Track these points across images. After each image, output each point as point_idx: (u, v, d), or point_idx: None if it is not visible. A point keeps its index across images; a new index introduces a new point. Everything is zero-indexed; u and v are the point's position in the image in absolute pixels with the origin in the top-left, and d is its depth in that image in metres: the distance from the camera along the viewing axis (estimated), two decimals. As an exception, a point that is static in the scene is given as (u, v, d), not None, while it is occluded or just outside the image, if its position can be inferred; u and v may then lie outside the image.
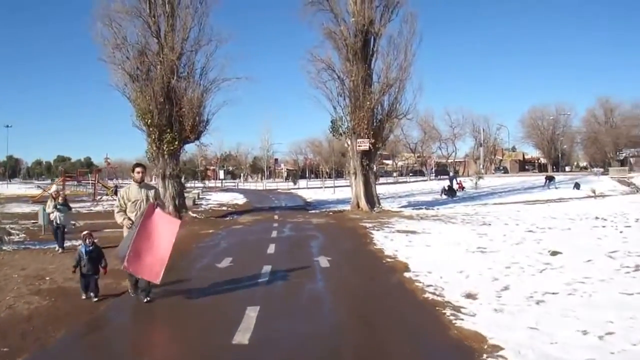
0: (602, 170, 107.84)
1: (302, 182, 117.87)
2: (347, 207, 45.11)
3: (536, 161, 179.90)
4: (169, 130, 37.80)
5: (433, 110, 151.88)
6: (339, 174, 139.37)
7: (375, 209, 42.06)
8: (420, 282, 14.67)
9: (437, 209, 44.61)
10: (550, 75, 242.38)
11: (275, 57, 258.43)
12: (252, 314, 11.45)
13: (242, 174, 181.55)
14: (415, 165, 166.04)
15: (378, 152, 46.02)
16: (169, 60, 37.33)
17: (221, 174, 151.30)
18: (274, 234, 28.34)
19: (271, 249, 22.25)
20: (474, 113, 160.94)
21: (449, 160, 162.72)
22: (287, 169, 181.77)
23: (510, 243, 22.10)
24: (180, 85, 38.19)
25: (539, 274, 15.61)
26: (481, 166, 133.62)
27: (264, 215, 42.30)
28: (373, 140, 41.86)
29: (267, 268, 17.16)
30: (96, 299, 13.26)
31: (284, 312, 12.14)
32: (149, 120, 37.12)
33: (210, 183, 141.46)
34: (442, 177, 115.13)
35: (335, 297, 13.59)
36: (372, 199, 42.84)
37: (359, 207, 42.21)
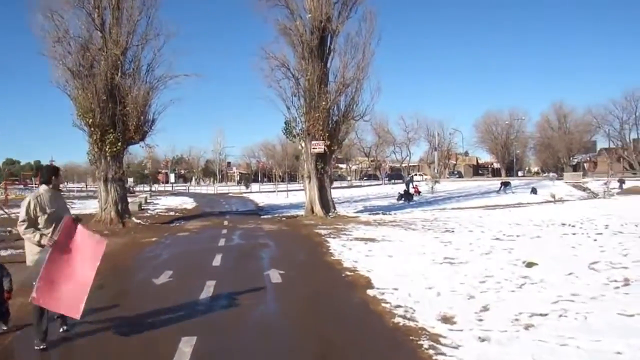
0: (556, 175, 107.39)
1: (254, 186, 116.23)
2: (301, 212, 43.05)
3: (490, 166, 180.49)
4: (111, 130, 35.57)
5: (387, 115, 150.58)
6: (293, 177, 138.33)
7: (330, 214, 40.13)
8: (387, 303, 12.72)
9: (395, 214, 42.99)
10: (505, 81, 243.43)
11: (229, 56, 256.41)
12: (186, 348, 9.34)
13: (194, 178, 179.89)
14: (369, 169, 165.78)
15: (333, 155, 43.94)
16: (113, 56, 35.05)
17: (172, 177, 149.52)
18: (222, 242, 26.22)
19: (217, 260, 20.15)
20: (429, 118, 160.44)
21: (403, 165, 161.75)
22: (240, 173, 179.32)
23: (479, 253, 20.31)
24: (124, 83, 35.85)
25: (519, 289, 13.87)
26: (436, 170, 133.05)
27: (213, 220, 40.08)
28: (328, 143, 39.97)
29: (210, 284, 15.03)
30: (5, 328, 10.79)
31: (225, 345, 10.03)
32: (91, 120, 34.84)
33: (161, 187, 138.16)
34: (396, 181, 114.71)
35: (289, 323, 11.54)
36: (327, 204, 40.89)
37: (313, 212, 40.22)
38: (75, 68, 35.04)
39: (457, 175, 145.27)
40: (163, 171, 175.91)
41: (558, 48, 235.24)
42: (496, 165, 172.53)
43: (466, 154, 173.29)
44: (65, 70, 34.95)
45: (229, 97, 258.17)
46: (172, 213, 48.89)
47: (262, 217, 43.61)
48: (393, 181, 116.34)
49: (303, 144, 41.07)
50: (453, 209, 47.51)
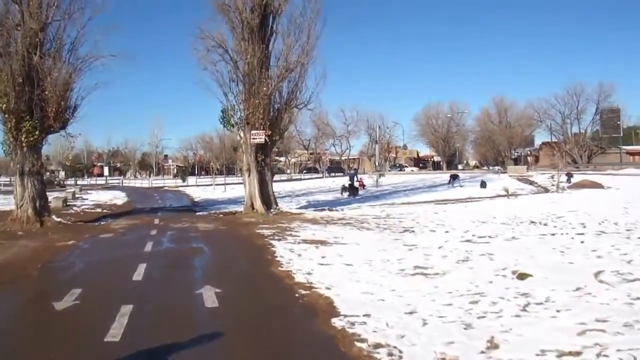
0: (501, 168, 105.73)
1: (191, 180, 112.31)
2: (240, 209, 39.66)
3: (430, 159, 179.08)
4: (28, 117, 31.57)
5: (327, 107, 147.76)
6: (231, 171, 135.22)
7: (272, 210, 36.82)
8: (363, 340, 9.42)
9: (342, 209, 39.83)
10: (444, 74, 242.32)
11: (164, 38, 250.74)
12: None
13: (129, 171, 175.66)
14: (308, 162, 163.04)
15: (275, 146, 40.42)
16: (30, 32, 31.04)
17: (106, 170, 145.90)
18: (149, 246, 22.59)
19: (140, 272, 16.51)
20: (369, 111, 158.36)
21: (343, 158, 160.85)
22: (177, 166, 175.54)
23: (454, 260, 17.22)
24: (44, 64, 31.82)
25: (525, 313, 10.80)
26: (377, 163, 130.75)
27: (143, 218, 36.40)
28: (269, 132, 36.59)
29: (124, 312, 11.43)
30: None
31: None
32: (4, 105, 30.97)
33: (95, 181, 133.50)
34: (336, 174, 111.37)
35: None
36: (268, 199, 37.51)
37: (253, 208, 36.73)
38: (-12, 46, 31.06)
39: (398, 169, 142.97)
40: (98, 164, 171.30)
41: (497, 41, 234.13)
42: (436, 159, 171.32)
43: (405, 147, 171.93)
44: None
45: (165, 85, 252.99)
46: (99, 210, 45.11)
47: (197, 214, 40.22)
48: (333, 174, 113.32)
49: (242, 134, 37.72)
50: (403, 204, 44.64)
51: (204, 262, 18.92)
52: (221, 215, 37.48)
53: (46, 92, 31.70)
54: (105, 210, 44.36)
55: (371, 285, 13.74)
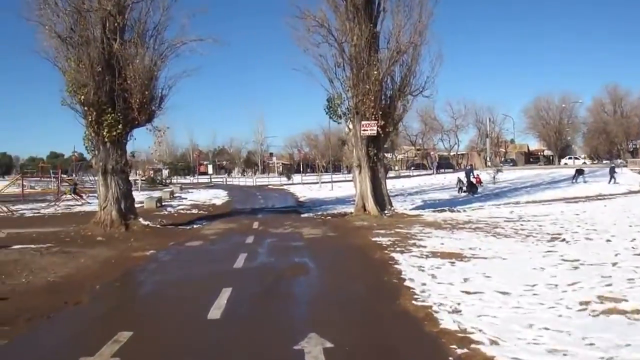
0: (624, 162, 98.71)
1: (296, 177, 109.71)
2: (350, 209, 35.47)
3: (540, 153, 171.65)
4: (109, 110, 28.29)
5: (434, 101, 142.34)
6: (336, 168, 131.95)
7: (386, 211, 32.39)
8: None
9: (464, 210, 35.41)
10: (555, 63, 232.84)
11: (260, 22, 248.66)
12: None
13: (235, 169, 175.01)
14: (415, 158, 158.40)
15: (388, 139, 35.83)
16: (107, 15, 27.76)
17: (210, 168, 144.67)
18: (241, 260, 18.35)
19: (220, 303, 12.17)
20: (477, 103, 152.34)
21: (452, 153, 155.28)
22: (282, 164, 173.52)
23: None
24: (125, 51, 28.34)
25: None
26: (488, 159, 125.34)
27: (241, 222, 32.60)
28: (382, 123, 32.03)
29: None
30: None
31: None
32: (83, 97, 27.65)
33: (201, 179, 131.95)
34: (446, 170, 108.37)
35: None
36: (382, 199, 33.08)
37: (365, 210, 32.38)
38: (66, 34, 27.94)
39: (510, 164, 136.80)
40: (204, 163, 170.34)
41: (608, 27, 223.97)
42: (547, 152, 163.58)
43: (512, 141, 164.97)
44: (52, 36, 27.86)
45: (269, 82, 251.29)
46: (195, 211, 41.57)
47: (302, 216, 36.07)
48: (443, 170, 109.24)
49: (350, 126, 33.41)
50: (529, 202, 40.28)
51: (308, 288, 14.66)
52: (329, 218, 33.45)
53: (128, 82, 28.48)
54: (201, 212, 40.89)
55: (556, 334, 9.09)
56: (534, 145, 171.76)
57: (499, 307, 11.17)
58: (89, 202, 49.12)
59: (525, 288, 12.68)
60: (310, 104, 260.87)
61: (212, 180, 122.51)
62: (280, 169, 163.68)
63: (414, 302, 11.82)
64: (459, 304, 11.46)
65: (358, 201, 33.19)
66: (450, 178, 70.76)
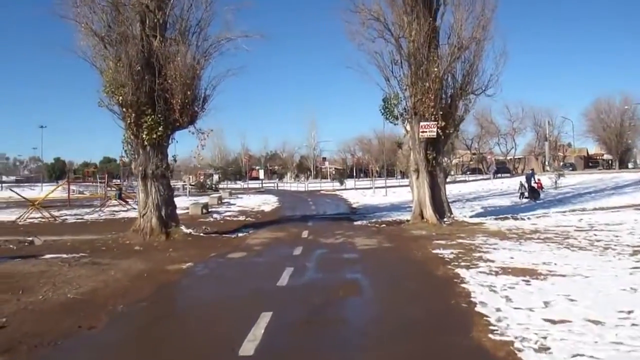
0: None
1: (349, 182, 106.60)
2: (406, 217, 33.33)
3: (599, 157, 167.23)
4: (149, 111, 26.60)
5: (494, 100, 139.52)
6: (390, 173, 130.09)
7: (445, 219, 30.20)
8: None
9: (528, 218, 32.79)
10: (616, 64, 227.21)
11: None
12: None
13: (288, 174, 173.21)
14: (471, 162, 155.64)
15: (449, 141, 33.46)
16: (148, 12, 26.26)
17: (261, 173, 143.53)
18: (285, 276, 16.11)
19: (256, 334, 10.00)
20: (535, 106, 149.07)
21: (508, 157, 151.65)
22: (334, 168, 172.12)
23: None
24: (166, 48, 26.71)
25: None
26: (547, 163, 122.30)
27: (289, 230, 30.49)
28: (442, 124, 29.93)
29: None
30: None
31: None
32: (121, 98, 25.99)
33: (251, 184, 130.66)
34: (503, 175, 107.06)
35: None
36: (441, 206, 30.86)
37: (423, 217, 30.19)
38: (104, 31, 26.30)
39: (570, 168, 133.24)
40: (256, 167, 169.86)
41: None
42: (606, 157, 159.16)
43: (569, 145, 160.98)
44: (89, 34, 26.20)
45: (321, 85, 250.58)
46: (242, 218, 39.62)
47: (355, 223, 33.80)
48: (500, 175, 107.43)
49: (408, 128, 31.17)
50: (596, 209, 37.33)
51: (362, 313, 12.47)
52: (384, 226, 31.14)
53: (169, 81, 26.74)
54: (248, 219, 38.88)
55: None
56: (593, 149, 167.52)
57: (595, 342, 8.97)
58: (134, 208, 47.63)
59: (620, 316, 10.44)
60: (364, 107, 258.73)
61: (264, 185, 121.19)
62: (333, 173, 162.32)
63: (490, 335, 9.59)
64: (545, 337, 9.28)
65: (415, 208, 30.95)
66: (508, 183, 68.70)
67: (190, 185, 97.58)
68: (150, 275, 17.06)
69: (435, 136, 29.84)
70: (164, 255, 21.33)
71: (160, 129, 26.66)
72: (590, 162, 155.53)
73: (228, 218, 39.24)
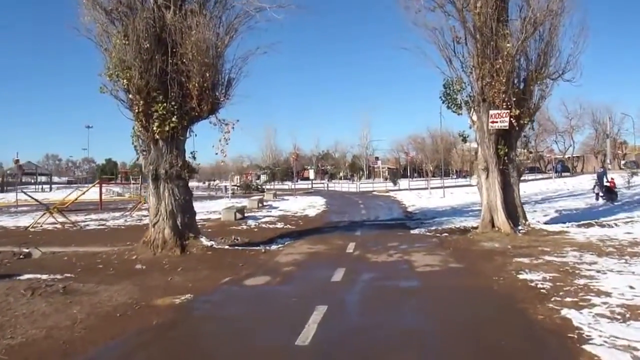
0: None
1: (403, 182, 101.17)
2: (470, 223, 28.92)
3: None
4: (161, 97, 21.67)
5: (547, 100, 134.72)
6: (445, 172, 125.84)
7: (520, 227, 25.12)
8: None
9: (615, 224, 27.54)
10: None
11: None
12: None
13: (340, 174, 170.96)
14: (528, 161, 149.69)
15: (522, 134, 27.83)
16: None
17: (311, 173, 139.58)
18: (314, 323, 10.92)
19: None
20: (594, 102, 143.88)
21: (567, 156, 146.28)
22: (388, 168, 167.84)
23: None
24: (181, 21, 21.72)
25: None
26: (608, 161, 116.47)
27: (333, 242, 25.32)
28: (517, 112, 24.77)
29: None
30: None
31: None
32: (126, 82, 21.19)
33: (301, 184, 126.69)
34: (563, 174, 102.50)
35: None
36: (514, 211, 25.69)
37: (493, 225, 25.01)
38: (111, 4, 21.57)
39: (635, 166, 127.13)
40: (307, 167, 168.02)
41: None
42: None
43: (624, 142, 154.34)
44: (96, 9, 21.49)
45: (375, 83, 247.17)
46: (280, 225, 34.40)
47: (412, 232, 28.64)
48: (559, 174, 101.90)
49: (474, 118, 26.01)
50: (690, 213, 31.72)
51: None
52: (446, 235, 25.98)
53: (185, 62, 21.78)
54: (287, 226, 33.80)
55: None
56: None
57: None
58: None
59: None
60: (418, 105, 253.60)
61: (313, 186, 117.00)
62: (386, 173, 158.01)
63: None
64: None
65: (484, 214, 25.60)
66: (571, 183, 64.83)
67: (236, 186, 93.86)
68: (126, 315, 12.34)
69: (507, 127, 24.72)
70: (164, 280, 16.66)
71: (174, 119, 21.82)
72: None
73: (264, 225, 34.21)
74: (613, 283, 13.67)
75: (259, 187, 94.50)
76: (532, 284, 14.03)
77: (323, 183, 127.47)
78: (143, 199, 48.69)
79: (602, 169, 48.20)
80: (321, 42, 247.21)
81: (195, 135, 24.12)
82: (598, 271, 15.35)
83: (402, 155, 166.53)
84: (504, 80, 23.99)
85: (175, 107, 21.80)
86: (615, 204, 39.81)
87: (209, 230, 30.65)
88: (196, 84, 21.84)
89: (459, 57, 25.48)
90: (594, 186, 44.52)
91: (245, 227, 33.03)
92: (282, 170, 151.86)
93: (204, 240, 23.07)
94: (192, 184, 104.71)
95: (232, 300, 14.32)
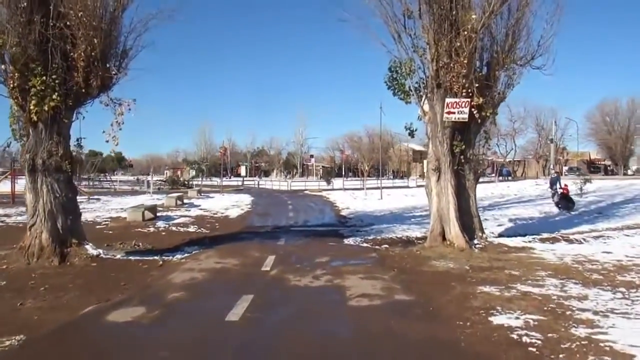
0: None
1: (338, 182, 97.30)
2: (414, 232, 25.14)
3: (600, 162, 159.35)
4: (40, 69, 17.31)
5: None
6: (381, 173, 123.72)
7: (475, 241, 20.87)
8: None
9: (584, 239, 23.36)
10: (621, 64, 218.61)
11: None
12: None
13: (274, 171, 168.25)
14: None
15: (482, 129, 23.45)
16: None
17: (243, 170, 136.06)
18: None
19: None
20: (539, 105, 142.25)
21: (507, 160, 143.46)
22: (322, 166, 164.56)
23: None
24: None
25: None
26: (551, 166, 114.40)
27: (248, 253, 20.61)
28: (480, 101, 20.25)
29: None
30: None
31: None
32: (-1, 48, 17.04)
33: (231, 181, 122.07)
34: (506, 178, 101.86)
35: None
36: (469, 222, 21.38)
37: (444, 238, 20.72)
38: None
39: (577, 173, 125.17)
40: (241, 164, 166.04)
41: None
42: (607, 162, 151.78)
43: (563, 149, 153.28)
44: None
45: (310, 79, 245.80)
46: (192, 228, 29.75)
47: (346, 241, 24.36)
48: (501, 178, 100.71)
49: (425, 108, 21.67)
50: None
51: None
52: (386, 247, 21.85)
53: (70, 24, 17.60)
54: (201, 230, 29.34)
55: None
56: (594, 153, 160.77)
57: None
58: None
59: None
60: (354, 102, 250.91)
61: (245, 183, 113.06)
62: (320, 172, 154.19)
63: None
64: None
65: (434, 224, 21.12)
66: (516, 187, 63.13)
67: (161, 181, 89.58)
68: None
69: (466, 120, 20.34)
70: (11, 305, 12.60)
71: (55, 96, 17.50)
72: (592, 167, 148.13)
73: (175, 228, 29.52)
74: (627, 335, 9.73)
75: (186, 182, 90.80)
76: (514, 336, 9.89)
77: (254, 180, 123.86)
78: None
79: (555, 174, 44.28)
80: (255, 33, 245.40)
81: (84, 117, 19.49)
82: (595, 312, 11.36)
83: (338, 153, 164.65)
84: (465, 62, 19.62)
85: (57, 81, 17.53)
86: (573, 213, 35.84)
87: (110, 232, 26.60)
88: (82, 53, 17.62)
89: (409, 33, 21.08)
90: (553, 194, 40.45)
91: (152, 229, 28.48)
92: (210, 165, 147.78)
93: (90, 248, 18.79)
94: (122, 177, 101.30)
95: (66, 354, 9.76)
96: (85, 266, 17.30)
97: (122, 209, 37.93)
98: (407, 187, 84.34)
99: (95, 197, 55.27)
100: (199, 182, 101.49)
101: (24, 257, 17.51)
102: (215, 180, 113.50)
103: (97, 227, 29.56)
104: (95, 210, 39.56)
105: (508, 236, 24.39)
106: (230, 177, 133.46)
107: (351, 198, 57.33)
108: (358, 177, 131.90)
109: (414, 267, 17.52)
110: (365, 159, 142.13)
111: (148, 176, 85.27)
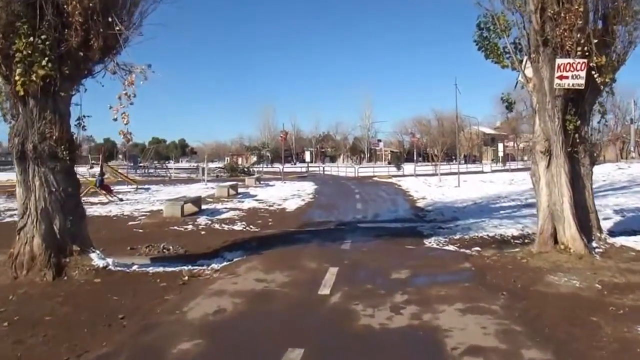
0: None
1: (407, 167, 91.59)
2: (510, 230, 21.07)
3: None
4: (26, 27, 13.17)
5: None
6: (449, 157, 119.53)
7: (594, 244, 16.18)
8: None
9: None
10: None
11: None
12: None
13: (341, 156, 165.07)
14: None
15: (599, 98, 18.62)
16: None
17: (307, 156, 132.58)
18: None
19: None
20: (616, 84, 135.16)
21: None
22: (390, 151, 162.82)
23: None
24: None
25: None
26: (632, 149, 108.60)
27: (302, 263, 16.01)
28: (601, 60, 15.62)
29: None
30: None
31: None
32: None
33: (297, 167, 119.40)
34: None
35: None
36: (585, 219, 16.63)
37: (556, 240, 15.95)
38: None
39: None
40: (308, 149, 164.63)
41: None
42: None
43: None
44: None
45: (375, 61, 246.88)
46: (240, 226, 25.05)
47: (427, 244, 19.63)
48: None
49: (528, 73, 16.84)
50: None
51: None
52: (477, 251, 17.48)
53: None
54: (249, 227, 24.68)
55: None
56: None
57: None
58: (119, 201, 36.60)
59: None
60: (422, 84, 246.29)
61: (309, 169, 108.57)
62: (389, 157, 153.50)
63: None
64: None
65: (543, 224, 16.28)
66: (601, 172, 53.61)
67: (220, 168, 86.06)
68: None
69: (582, 86, 15.61)
70: None
71: (44, 62, 13.32)
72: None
73: (218, 225, 25.02)
74: None
75: (246, 169, 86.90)
76: None
77: (318, 166, 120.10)
78: (92, 182, 39.86)
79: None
80: (320, 18, 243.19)
81: (86, 90, 15.15)
82: None
83: (406, 137, 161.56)
84: (580, 10, 14.94)
85: (47, 43, 13.37)
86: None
87: (141, 231, 22.81)
88: (77, 5, 13.34)
89: (503, -21, 16.38)
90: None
91: (191, 227, 24.19)
92: (273, 151, 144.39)
93: (96, 258, 14.48)
94: (183, 165, 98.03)
95: None
96: (84, 283, 13.28)
97: (168, 200, 33.68)
98: (482, 172, 79.85)
99: (145, 186, 52.01)
100: (260, 169, 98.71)
101: (12, 269, 13.67)
102: (277, 167, 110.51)
103: (130, 223, 25.87)
104: (139, 202, 36.06)
105: (621, 234, 19.39)
106: (295, 163, 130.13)
107: (425, 185, 52.55)
108: (428, 162, 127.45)
109: (527, 286, 12.75)
110: (438, 142, 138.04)
111: (209, 163, 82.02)
